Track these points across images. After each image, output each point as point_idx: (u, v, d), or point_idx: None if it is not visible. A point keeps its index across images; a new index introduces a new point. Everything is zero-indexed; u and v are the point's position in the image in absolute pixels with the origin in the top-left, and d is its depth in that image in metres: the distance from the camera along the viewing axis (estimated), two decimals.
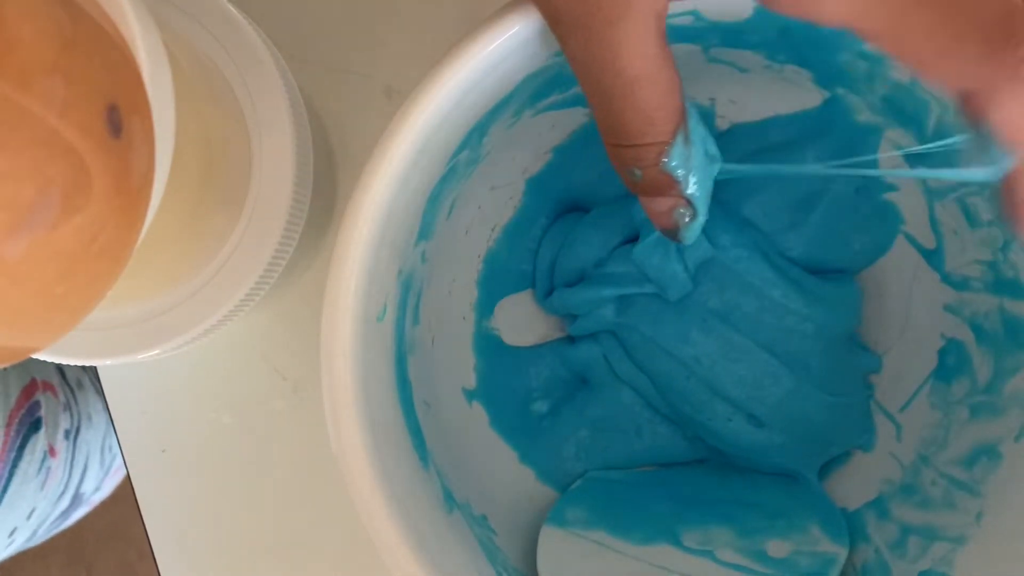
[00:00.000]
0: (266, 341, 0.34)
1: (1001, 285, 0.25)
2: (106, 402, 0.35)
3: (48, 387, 0.47)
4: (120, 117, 0.19)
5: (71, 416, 0.48)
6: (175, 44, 0.28)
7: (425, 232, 0.25)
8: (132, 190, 0.21)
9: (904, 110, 0.24)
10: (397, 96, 0.34)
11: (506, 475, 0.30)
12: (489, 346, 0.31)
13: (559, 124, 0.28)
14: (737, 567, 0.27)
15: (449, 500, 0.25)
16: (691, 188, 0.21)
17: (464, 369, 0.30)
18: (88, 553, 0.99)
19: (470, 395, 0.30)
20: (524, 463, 0.30)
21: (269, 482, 0.34)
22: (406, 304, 0.25)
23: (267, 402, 0.34)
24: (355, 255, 0.21)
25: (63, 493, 0.49)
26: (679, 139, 0.20)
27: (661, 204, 0.21)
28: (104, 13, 0.21)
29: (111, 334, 0.29)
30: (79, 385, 0.51)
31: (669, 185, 0.21)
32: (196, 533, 0.34)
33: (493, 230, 0.30)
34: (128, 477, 0.35)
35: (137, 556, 0.99)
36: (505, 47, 0.21)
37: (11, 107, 0.16)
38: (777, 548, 0.27)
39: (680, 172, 0.20)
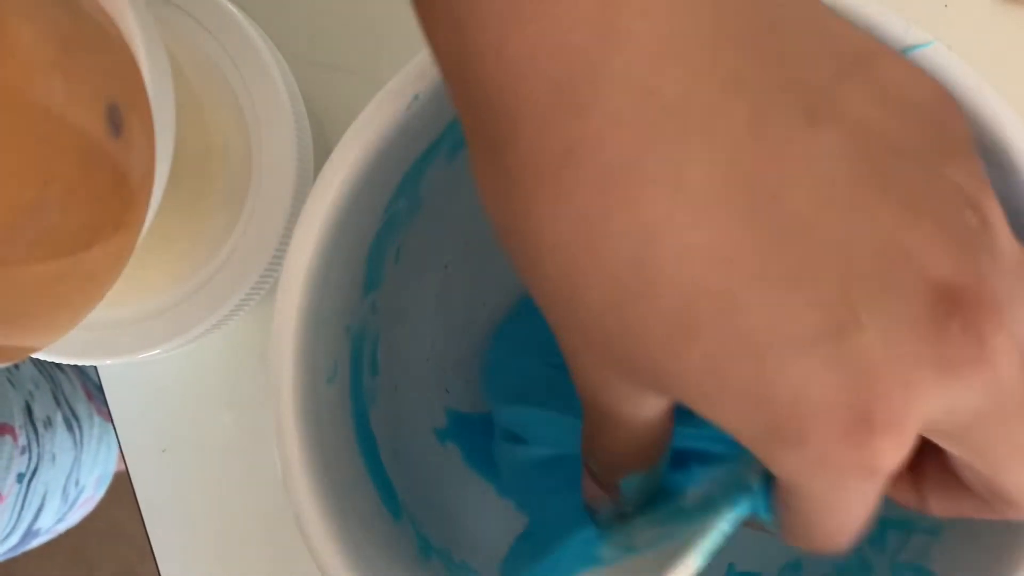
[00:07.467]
0: (266, 341, 0.34)
1: None
2: (108, 407, 0.35)
3: (7, 430, 0.46)
4: (120, 116, 0.19)
5: (29, 459, 0.47)
6: (175, 44, 0.28)
7: (373, 282, 0.24)
8: (132, 190, 0.21)
9: None
10: None
11: (485, 512, 0.29)
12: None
13: None
14: None
15: (426, 548, 0.24)
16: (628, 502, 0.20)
17: (433, 410, 0.29)
18: (89, 553, 1.00)
19: (442, 435, 0.29)
20: (503, 496, 0.30)
21: (269, 482, 0.34)
22: (361, 357, 0.24)
23: (267, 402, 0.34)
24: (292, 326, 0.20)
25: (10, 533, 0.48)
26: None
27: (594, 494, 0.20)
28: (104, 13, 0.21)
29: (111, 334, 0.29)
30: (47, 424, 0.50)
31: (614, 495, 0.20)
32: (196, 533, 0.34)
33: (447, 267, 0.29)
34: (128, 477, 0.35)
35: (137, 556, 0.99)
36: (422, 98, 0.19)
37: (11, 107, 0.16)
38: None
39: (631, 495, 0.19)
